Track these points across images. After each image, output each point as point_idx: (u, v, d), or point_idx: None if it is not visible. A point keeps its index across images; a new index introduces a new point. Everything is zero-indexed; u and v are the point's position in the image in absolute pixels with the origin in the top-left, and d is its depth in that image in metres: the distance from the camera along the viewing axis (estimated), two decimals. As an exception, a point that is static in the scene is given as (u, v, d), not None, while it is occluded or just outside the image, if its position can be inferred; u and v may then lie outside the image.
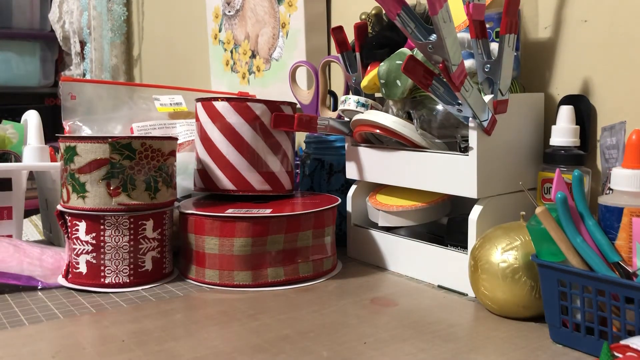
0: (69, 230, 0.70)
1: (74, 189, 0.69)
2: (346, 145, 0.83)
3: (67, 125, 0.99)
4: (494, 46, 0.67)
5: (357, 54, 0.81)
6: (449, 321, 0.59)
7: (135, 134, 0.99)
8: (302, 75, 1.07)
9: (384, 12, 0.83)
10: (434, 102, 0.71)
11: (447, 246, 0.71)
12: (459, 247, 0.70)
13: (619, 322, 0.48)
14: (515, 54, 0.70)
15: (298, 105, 0.93)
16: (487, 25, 0.70)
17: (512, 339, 0.54)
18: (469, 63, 0.68)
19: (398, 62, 0.73)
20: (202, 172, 0.79)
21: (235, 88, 1.31)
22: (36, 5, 2.15)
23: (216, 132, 0.77)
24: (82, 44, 1.92)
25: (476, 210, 0.66)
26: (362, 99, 0.79)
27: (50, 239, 0.95)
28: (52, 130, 1.00)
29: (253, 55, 1.25)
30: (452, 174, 0.68)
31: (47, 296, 0.68)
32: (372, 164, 0.79)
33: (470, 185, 0.66)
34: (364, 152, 0.80)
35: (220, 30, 1.35)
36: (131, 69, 1.89)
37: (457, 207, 0.77)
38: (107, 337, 0.56)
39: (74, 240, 0.70)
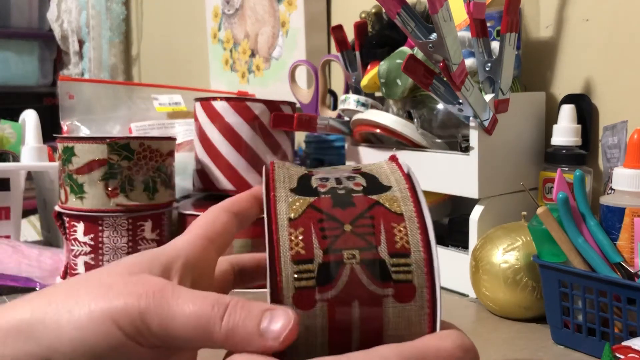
0: (67, 231, 0.70)
1: (72, 190, 0.69)
2: (346, 145, 0.82)
3: (65, 125, 0.99)
4: (495, 45, 0.66)
5: (357, 53, 0.81)
6: (450, 322, 0.58)
7: (134, 134, 0.98)
8: (301, 74, 1.07)
9: (384, 10, 0.83)
10: (434, 102, 0.71)
11: (448, 247, 0.71)
12: (460, 248, 0.70)
13: (621, 323, 0.48)
14: (516, 52, 0.69)
15: (298, 105, 0.92)
16: (488, 24, 0.69)
17: (514, 340, 0.54)
18: (469, 62, 0.68)
19: (398, 61, 0.72)
20: (201, 172, 0.79)
21: (235, 87, 1.30)
22: (35, 4, 2.15)
23: (215, 132, 0.77)
24: (81, 43, 1.91)
25: (477, 211, 0.65)
26: (362, 98, 0.79)
27: (49, 240, 0.95)
28: (50, 130, 1.00)
29: (253, 55, 1.24)
30: (452, 173, 0.67)
31: (45, 297, 0.68)
32: (372, 164, 0.78)
33: (471, 185, 0.66)
34: (364, 151, 0.79)
35: (219, 29, 1.34)
36: (130, 68, 1.89)
37: (458, 207, 0.76)
38: (106, 339, 0.55)
39: (72, 242, 0.69)
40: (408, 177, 0.32)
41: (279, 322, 0.27)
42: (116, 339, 0.28)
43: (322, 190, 0.31)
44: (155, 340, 0.29)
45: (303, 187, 0.31)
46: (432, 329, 0.29)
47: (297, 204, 0.30)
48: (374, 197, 0.31)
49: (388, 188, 0.31)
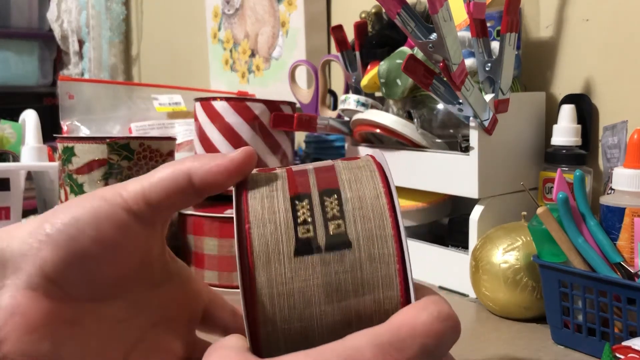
0: (67, 230, 0.70)
1: (72, 190, 0.69)
2: (346, 145, 0.82)
3: (65, 125, 0.99)
4: (495, 45, 0.66)
5: (357, 53, 0.81)
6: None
7: (134, 134, 0.98)
8: (301, 74, 1.07)
9: (384, 10, 0.83)
10: (434, 102, 0.71)
11: (448, 247, 0.71)
12: (460, 248, 0.70)
13: (621, 323, 0.48)
14: (517, 52, 0.69)
15: (298, 105, 0.92)
16: (488, 24, 0.69)
17: (514, 340, 0.54)
18: (469, 62, 0.68)
19: (398, 61, 0.72)
20: (201, 172, 0.79)
21: (235, 87, 1.30)
22: (35, 4, 2.15)
23: (215, 132, 0.77)
24: (81, 42, 1.91)
25: (477, 211, 0.65)
26: (362, 98, 0.79)
27: (49, 240, 0.95)
28: (50, 130, 1.00)
29: (253, 55, 1.24)
30: (452, 173, 0.67)
31: (45, 297, 0.68)
32: (372, 164, 0.78)
33: (471, 185, 0.66)
34: (364, 151, 0.79)
35: (219, 29, 1.34)
36: (130, 68, 1.88)
37: (458, 207, 0.76)
38: (106, 339, 0.55)
39: (72, 241, 0.69)
40: (375, 159, 0.36)
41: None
42: (102, 208, 0.30)
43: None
44: (140, 201, 0.31)
45: None
46: (387, 186, 0.31)
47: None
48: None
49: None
